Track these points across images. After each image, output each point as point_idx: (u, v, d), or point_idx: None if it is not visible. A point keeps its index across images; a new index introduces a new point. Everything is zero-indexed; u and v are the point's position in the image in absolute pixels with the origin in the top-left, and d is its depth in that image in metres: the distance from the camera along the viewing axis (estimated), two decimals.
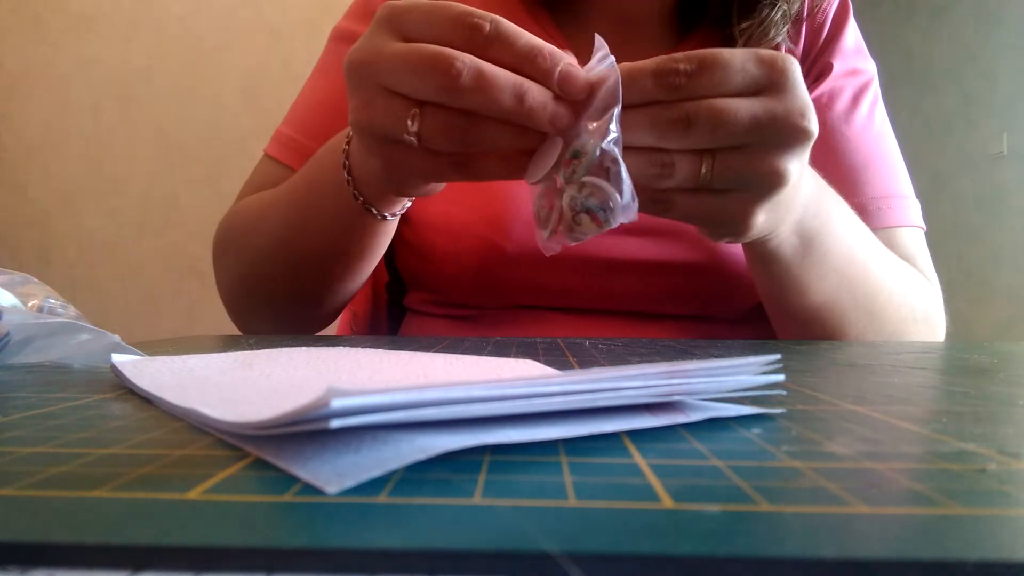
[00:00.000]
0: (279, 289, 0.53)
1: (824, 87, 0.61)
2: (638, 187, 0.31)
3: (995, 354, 0.38)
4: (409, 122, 0.33)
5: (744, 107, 0.33)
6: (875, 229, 0.59)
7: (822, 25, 0.64)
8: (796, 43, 0.63)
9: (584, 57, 0.59)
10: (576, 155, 0.32)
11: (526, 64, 0.32)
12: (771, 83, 0.33)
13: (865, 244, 0.51)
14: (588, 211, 0.32)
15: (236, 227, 0.57)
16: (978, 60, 3.01)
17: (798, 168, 0.36)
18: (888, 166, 0.62)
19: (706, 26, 0.62)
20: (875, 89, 0.64)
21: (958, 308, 2.90)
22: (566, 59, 0.32)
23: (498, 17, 0.32)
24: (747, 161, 0.34)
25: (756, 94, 0.33)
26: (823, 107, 0.61)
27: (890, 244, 0.59)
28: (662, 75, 0.32)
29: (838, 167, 0.60)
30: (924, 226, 0.62)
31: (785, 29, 0.59)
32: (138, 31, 2.02)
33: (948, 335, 0.59)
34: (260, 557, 0.10)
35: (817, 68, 0.63)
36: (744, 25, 0.58)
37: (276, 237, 0.51)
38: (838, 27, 0.64)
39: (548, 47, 0.32)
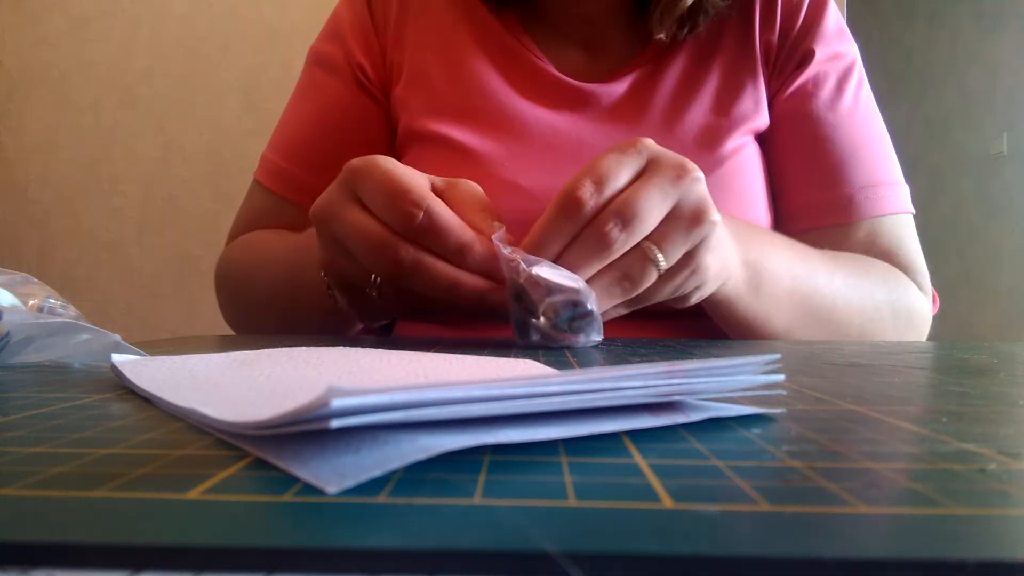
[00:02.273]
0: (272, 329, 0.60)
1: (807, 74, 0.60)
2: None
3: (995, 354, 0.38)
4: (371, 280, 0.40)
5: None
6: (863, 218, 0.59)
7: (798, 6, 0.61)
8: (771, 27, 0.61)
9: (554, 60, 0.63)
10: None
11: (457, 257, 0.38)
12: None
13: (808, 264, 0.52)
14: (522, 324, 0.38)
15: (230, 276, 0.63)
16: (978, 60, 3.01)
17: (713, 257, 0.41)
18: (875, 152, 0.61)
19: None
20: (859, 71, 0.62)
21: (958, 308, 2.90)
22: (490, 249, 0.37)
23: (433, 205, 0.37)
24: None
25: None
26: (808, 95, 0.60)
27: (877, 233, 0.59)
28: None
29: (825, 156, 0.60)
30: (912, 210, 0.61)
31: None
32: (138, 31, 2.02)
33: (948, 336, 0.60)
34: (260, 557, 0.10)
35: (798, 55, 0.61)
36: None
37: (265, 295, 0.58)
38: (817, 9, 0.62)
39: (476, 242, 0.37)
